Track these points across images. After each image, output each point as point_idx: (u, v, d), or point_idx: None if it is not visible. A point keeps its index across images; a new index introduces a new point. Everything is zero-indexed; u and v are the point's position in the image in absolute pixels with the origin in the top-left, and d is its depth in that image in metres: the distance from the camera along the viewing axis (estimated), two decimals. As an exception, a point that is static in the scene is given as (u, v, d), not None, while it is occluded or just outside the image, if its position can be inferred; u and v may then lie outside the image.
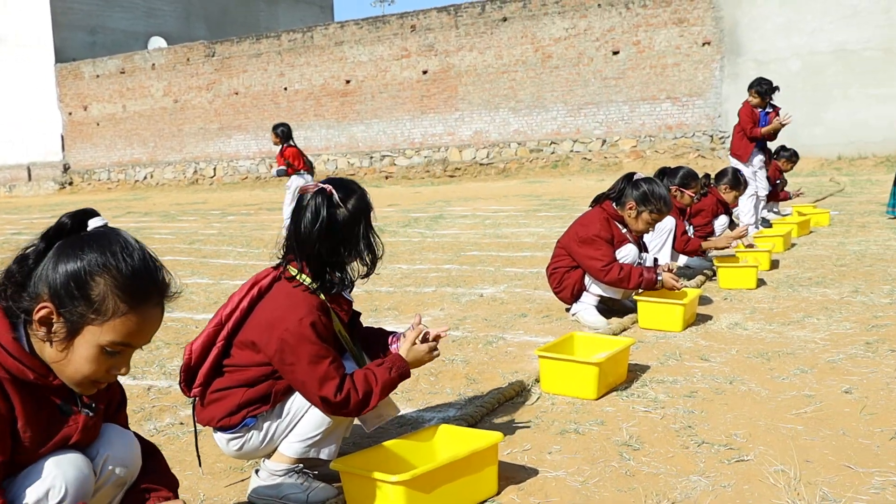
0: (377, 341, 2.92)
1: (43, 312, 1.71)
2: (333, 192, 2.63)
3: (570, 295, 5.02)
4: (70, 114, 30.68)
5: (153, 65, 28.55)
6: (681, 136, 20.33)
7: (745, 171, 8.76)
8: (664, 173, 6.38)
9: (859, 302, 5.18)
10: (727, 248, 6.32)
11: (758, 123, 8.98)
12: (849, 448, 2.84)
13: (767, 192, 9.50)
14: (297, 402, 2.62)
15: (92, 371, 1.76)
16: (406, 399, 3.70)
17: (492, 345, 4.57)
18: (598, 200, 5.07)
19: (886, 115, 17.48)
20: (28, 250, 1.79)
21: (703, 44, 19.82)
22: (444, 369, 4.12)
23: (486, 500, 2.59)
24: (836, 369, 3.77)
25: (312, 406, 2.59)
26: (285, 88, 25.81)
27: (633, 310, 4.94)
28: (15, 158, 31.99)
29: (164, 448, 3.25)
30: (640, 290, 4.88)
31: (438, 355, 2.78)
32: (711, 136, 19.95)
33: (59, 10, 30.93)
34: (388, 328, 3.07)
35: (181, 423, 3.54)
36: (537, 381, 3.73)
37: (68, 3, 31.28)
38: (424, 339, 2.74)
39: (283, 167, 11.06)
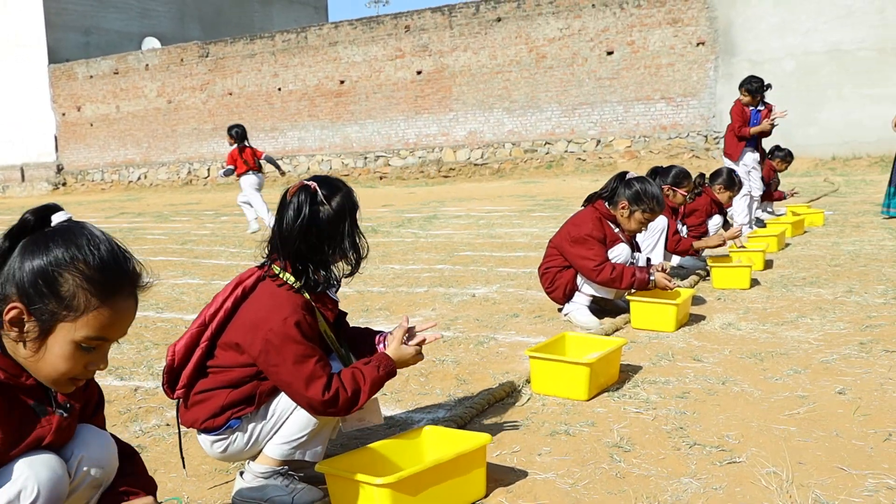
0: (364, 341, 2.88)
1: (13, 313, 1.67)
2: (318, 189, 2.59)
3: (562, 295, 4.98)
4: (63, 114, 30.58)
5: (147, 65, 28.47)
6: (675, 136, 20.31)
7: (739, 170, 8.74)
8: (656, 172, 6.35)
9: (853, 302, 5.15)
10: (719, 246, 6.29)
11: (748, 122, 8.97)
12: (842, 450, 2.81)
13: (761, 192, 9.47)
14: (282, 403, 2.58)
15: (69, 368, 1.72)
16: (395, 400, 3.66)
17: (483, 345, 4.52)
18: (591, 200, 5.03)
19: (881, 116, 17.41)
20: None
21: (698, 44, 19.82)
22: (434, 370, 4.08)
23: (473, 503, 2.55)
24: (829, 370, 3.74)
25: (298, 407, 2.55)
26: (279, 89, 25.76)
27: (626, 310, 4.90)
28: (8, 159, 31.88)
29: (150, 449, 3.22)
30: (633, 290, 4.84)
31: (423, 358, 2.74)
32: (706, 137, 19.94)
33: (52, 11, 30.83)
34: (379, 328, 3.02)
35: (167, 425, 3.49)
36: (528, 381, 3.69)
37: (62, 3, 31.19)
38: (411, 337, 2.71)
39: (231, 167, 11.30)
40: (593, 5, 20.80)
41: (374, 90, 24.14)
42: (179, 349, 2.57)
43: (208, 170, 27.29)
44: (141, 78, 28.62)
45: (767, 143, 10.01)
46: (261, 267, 2.68)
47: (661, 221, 5.96)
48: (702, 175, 7.21)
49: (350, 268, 2.68)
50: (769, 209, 10.53)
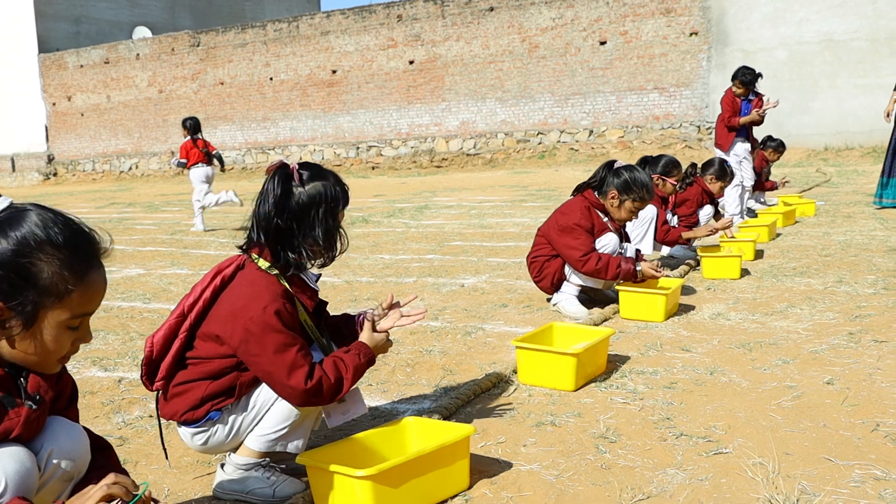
0: (345, 327, 2.84)
1: None
2: (296, 170, 2.55)
3: (550, 284, 4.95)
4: (54, 104, 30.44)
5: (138, 55, 28.33)
6: (668, 126, 20.29)
7: (730, 160, 8.71)
8: (646, 162, 6.31)
9: (843, 292, 5.12)
10: (709, 236, 6.26)
11: (738, 113, 8.94)
12: (829, 440, 2.78)
13: (753, 182, 9.45)
14: (262, 394, 2.54)
15: (59, 350, 1.75)
16: (381, 391, 3.63)
17: (470, 335, 4.49)
18: (580, 190, 5.00)
19: (873, 106, 17.40)
20: None
21: (691, 34, 19.77)
22: (420, 360, 4.05)
23: (457, 495, 2.52)
24: (818, 360, 3.72)
25: (279, 399, 2.51)
26: (271, 78, 25.66)
27: (616, 300, 4.87)
28: (-1, 149, 31.75)
29: (132, 441, 3.19)
30: (621, 281, 4.81)
31: (391, 345, 2.74)
32: (699, 127, 19.92)
33: (42, 0, 30.64)
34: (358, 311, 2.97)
35: (150, 416, 3.45)
36: (515, 372, 3.66)
37: (52, -8, 31.02)
38: (387, 315, 2.80)
39: (183, 160, 11.45)
40: (586, -5, 20.75)
41: (367, 80, 24.06)
42: (158, 340, 2.53)
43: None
44: (132, 67, 28.49)
45: (759, 133, 9.99)
46: (244, 251, 2.63)
47: (650, 211, 5.93)
48: (693, 165, 7.17)
49: (321, 259, 2.62)
50: (761, 199, 10.51)
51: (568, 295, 4.88)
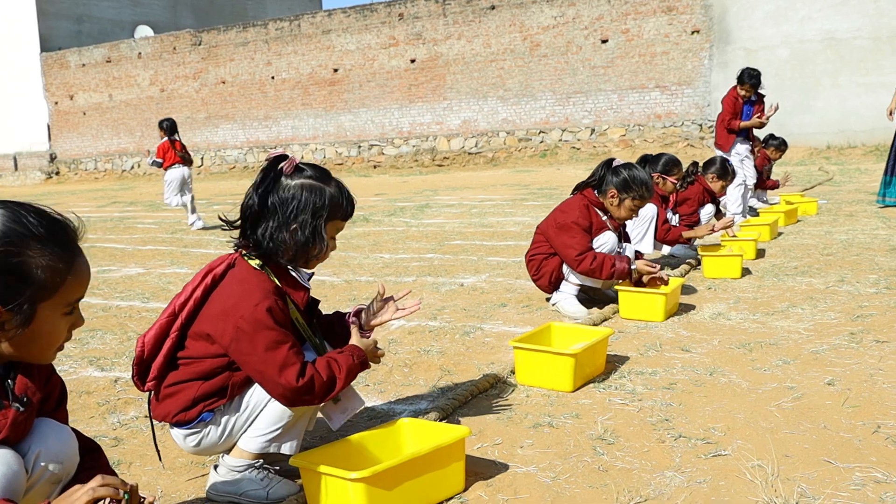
0: (338, 324, 2.81)
1: None
2: (295, 162, 2.52)
3: (548, 283, 4.92)
4: (56, 103, 30.43)
5: (139, 53, 28.32)
6: (670, 125, 20.24)
7: (733, 159, 8.68)
8: (646, 160, 6.29)
9: (845, 291, 5.09)
10: (708, 235, 6.23)
11: (739, 115, 8.89)
12: (829, 442, 2.75)
13: (755, 181, 9.42)
14: (255, 394, 2.51)
15: (57, 339, 1.78)
16: (378, 391, 3.60)
17: (469, 335, 4.46)
18: (580, 188, 4.97)
19: (875, 104, 17.37)
20: None
21: (692, 32, 19.73)
22: (418, 360, 4.02)
23: (452, 497, 2.49)
24: (819, 360, 3.68)
25: (272, 399, 2.48)
26: (272, 77, 25.64)
27: (615, 299, 4.84)
28: (1, 148, 31.71)
29: (127, 442, 3.16)
30: (619, 281, 4.78)
31: (382, 353, 2.69)
32: (700, 126, 19.87)
33: (44, -1, 30.67)
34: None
35: (146, 416, 3.43)
36: (513, 372, 3.63)
37: (54, -9, 31.01)
38: (382, 310, 2.79)
39: (159, 160, 11.62)
40: (588, -7, 20.71)
41: (368, 79, 24.03)
42: (149, 340, 2.50)
43: (202, 159, 27.17)
44: (133, 66, 28.48)
45: (762, 132, 9.94)
46: (236, 249, 2.61)
47: (650, 210, 5.90)
48: (695, 163, 7.14)
49: (291, 255, 2.54)
50: (763, 198, 10.48)
51: (567, 295, 4.85)
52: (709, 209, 7.09)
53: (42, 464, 1.80)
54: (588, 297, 5.10)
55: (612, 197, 4.77)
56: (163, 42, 27.94)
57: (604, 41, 20.73)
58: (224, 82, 26.59)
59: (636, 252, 5.02)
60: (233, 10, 37.12)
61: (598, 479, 2.57)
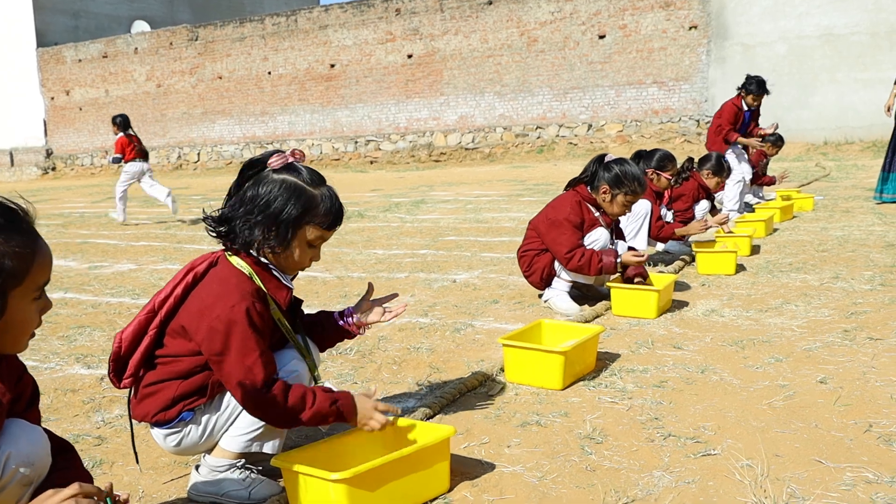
0: (324, 323, 2.76)
1: None
2: (287, 158, 2.46)
3: (540, 279, 4.88)
4: (52, 98, 30.33)
5: (136, 49, 28.22)
6: (667, 120, 20.19)
7: (730, 156, 8.64)
8: (640, 156, 6.24)
9: (839, 288, 5.05)
10: (702, 232, 6.18)
11: (739, 126, 8.85)
12: (820, 441, 2.71)
13: (751, 176, 9.38)
14: (237, 394, 2.47)
15: (30, 326, 1.77)
16: (366, 389, 3.55)
17: (459, 332, 4.42)
18: (572, 184, 4.92)
19: (873, 100, 17.32)
20: None
21: (690, 27, 19.67)
22: (408, 357, 3.98)
23: (437, 498, 2.46)
24: (811, 358, 3.65)
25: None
26: (269, 73, 25.56)
27: (608, 296, 4.80)
28: (-3, 143, 31.66)
29: (111, 441, 3.12)
30: (609, 276, 4.74)
31: (383, 425, 2.49)
32: (698, 121, 19.82)
33: (40, -6, 30.56)
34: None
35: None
36: (502, 370, 3.59)
37: (50, -15, 30.90)
38: (368, 310, 2.71)
39: (118, 155, 11.73)
40: (585, -12, 20.65)
41: (365, 74, 23.96)
42: (126, 336, 2.46)
43: (198, 154, 27.11)
44: (130, 62, 28.38)
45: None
46: (217, 238, 2.55)
47: (644, 206, 5.85)
48: (690, 159, 7.09)
49: (260, 247, 2.46)
50: (759, 194, 10.43)
51: (559, 291, 4.81)
52: (703, 205, 7.05)
53: (13, 466, 1.76)
54: (581, 294, 5.06)
55: (605, 193, 4.72)
56: (159, 37, 27.85)
57: (601, 37, 20.67)
58: (221, 78, 26.51)
59: (629, 248, 4.97)
60: (230, 5, 37.02)
61: (585, 479, 2.53)
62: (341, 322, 2.75)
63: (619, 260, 4.64)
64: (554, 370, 3.33)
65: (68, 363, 4.22)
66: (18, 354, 1.85)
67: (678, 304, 4.83)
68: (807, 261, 6.03)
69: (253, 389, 2.31)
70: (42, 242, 1.75)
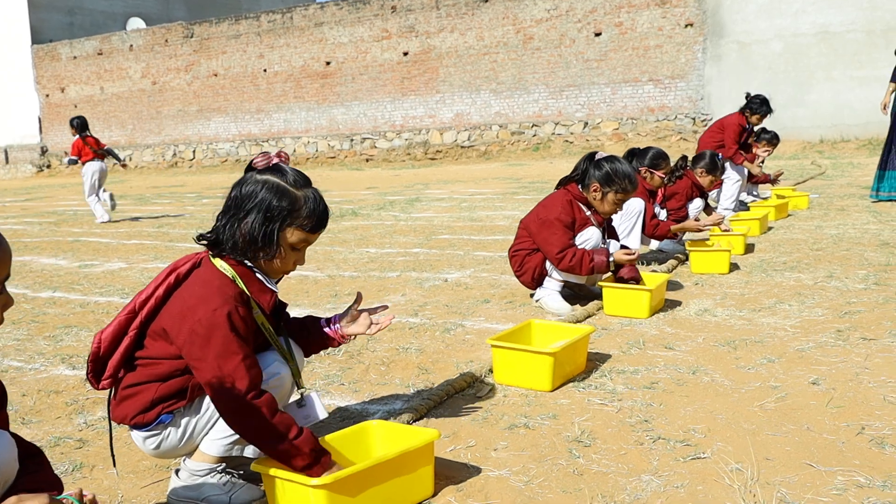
0: (310, 328, 2.70)
1: None
2: (272, 159, 2.42)
3: (531, 279, 4.83)
4: (47, 95, 30.23)
5: (131, 46, 28.13)
6: (663, 118, 20.15)
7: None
8: (633, 154, 6.19)
9: (833, 287, 5.01)
10: (696, 231, 6.14)
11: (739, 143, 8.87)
12: (812, 444, 2.67)
13: (746, 174, 9.34)
14: (217, 396, 2.42)
15: None
16: (353, 390, 3.51)
17: (449, 332, 4.37)
18: (563, 183, 4.87)
19: (869, 98, 17.29)
20: None
21: (686, 25, 19.62)
22: (396, 358, 3.94)
23: (421, 503, 2.41)
24: (804, 358, 3.60)
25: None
26: (265, 70, 25.48)
27: (600, 296, 4.75)
28: (-9, 141, 31.56)
29: (92, 444, 3.07)
30: (601, 275, 4.69)
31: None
32: (693, 119, 19.78)
33: (35, -10, 30.44)
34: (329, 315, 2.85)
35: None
36: (491, 371, 3.54)
37: (45, -18, 30.78)
38: (354, 319, 2.65)
39: (74, 157, 11.97)
40: (581, -14, 20.59)
41: (361, 71, 23.89)
42: (106, 337, 2.40)
43: (193, 152, 27.03)
44: (125, 59, 28.29)
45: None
46: (199, 241, 2.50)
47: (637, 205, 5.80)
48: (684, 157, 7.04)
49: (244, 252, 2.43)
50: (753, 192, 10.39)
51: (550, 291, 4.77)
52: (697, 204, 7.00)
53: (-22, 471, 1.71)
54: (573, 293, 5.02)
55: (595, 191, 4.67)
56: (154, 34, 27.75)
57: (597, 34, 20.62)
58: (216, 75, 26.43)
59: (621, 247, 4.93)
60: (225, 2, 36.90)
61: (572, 483, 2.48)
62: (327, 329, 2.70)
63: (610, 259, 4.60)
64: (543, 371, 3.29)
65: (53, 364, 4.16)
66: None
67: (671, 304, 4.78)
68: (801, 259, 5.99)
69: (232, 395, 2.24)
70: (1, 238, 1.71)
